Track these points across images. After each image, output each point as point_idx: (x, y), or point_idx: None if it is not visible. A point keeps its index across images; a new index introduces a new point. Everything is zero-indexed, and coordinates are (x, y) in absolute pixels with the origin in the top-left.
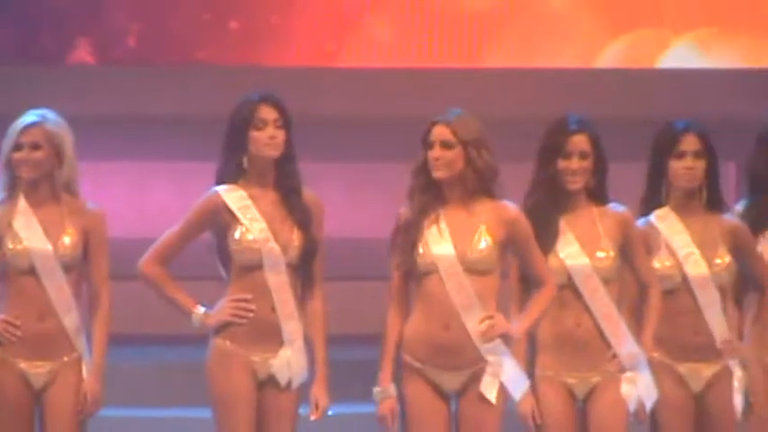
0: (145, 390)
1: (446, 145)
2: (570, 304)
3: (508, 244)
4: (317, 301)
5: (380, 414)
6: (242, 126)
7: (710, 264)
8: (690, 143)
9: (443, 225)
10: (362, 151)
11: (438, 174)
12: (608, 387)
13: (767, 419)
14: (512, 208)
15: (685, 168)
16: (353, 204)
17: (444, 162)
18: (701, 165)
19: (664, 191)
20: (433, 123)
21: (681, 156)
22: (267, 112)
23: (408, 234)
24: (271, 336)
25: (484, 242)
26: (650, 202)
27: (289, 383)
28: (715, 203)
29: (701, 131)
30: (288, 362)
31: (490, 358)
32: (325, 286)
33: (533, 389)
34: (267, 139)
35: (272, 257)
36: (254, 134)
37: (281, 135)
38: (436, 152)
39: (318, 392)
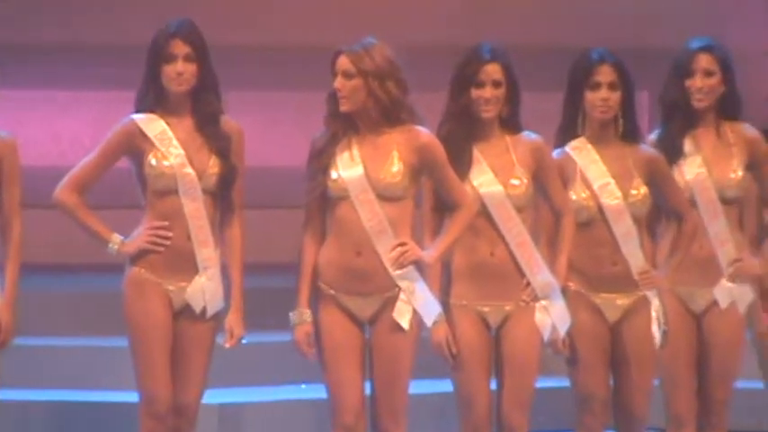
0: (60, 319)
1: (347, 75)
2: (484, 233)
3: (422, 169)
4: (235, 229)
5: (296, 339)
6: (154, 59)
7: (626, 194)
8: (605, 74)
9: (355, 151)
10: (276, 80)
11: (342, 107)
12: (522, 316)
13: (679, 349)
14: (424, 133)
15: (601, 99)
16: (267, 133)
17: (345, 93)
18: (616, 96)
19: (580, 121)
20: (338, 53)
21: (596, 87)
22: (178, 47)
23: (321, 159)
24: (186, 264)
25: (396, 167)
26: (566, 132)
27: (203, 311)
28: (631, 134)
29: (617, 62)
30: (202, 289)
31: (402, 284)
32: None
33: (448, 318)
34: (174, 74)
35: (187, 183)
36: (165, 68)
37: (190, 70)
38: (338, 82)
39: (233, 320)
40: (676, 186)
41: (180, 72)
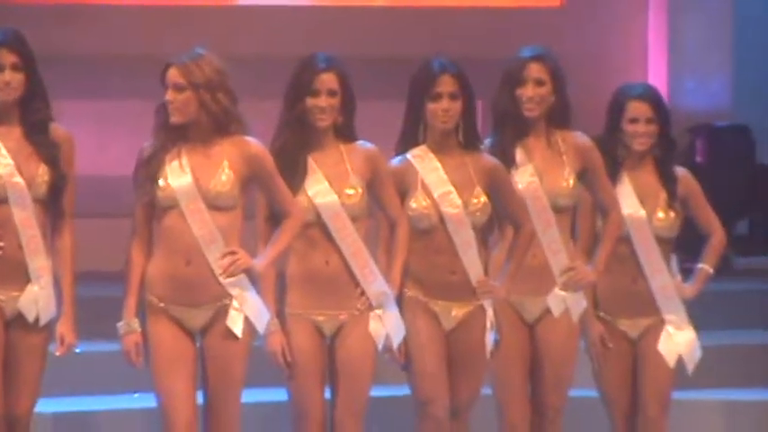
0: None
1: (178, 88)
2: (319, 242)
3: (252, 179)
4: (65, 238)
5: (125, 349)
6: None
7: (467, 203)
8: (446, 84)
9: (185, 160)
10: (108, 89)
11: (173, 119)
12: (356, 325)
13: (512, 358)
14: (254, 143)
15: (442, 110)
16: (98, 142)
17: (176, 105)
18: (456, 105)
19: (421, 130)
20: (168, 65)
21: (437, 97)
22: (4, 56)
23: (149, 167)
24: (18, 273)
25: (225, 177)
26: (408, 141)
27: (37, 320)
28: (471, 143)
29: (458, 72)
30: (35, 298)
31: (234, 292)
32: (73, 223)
33: (282, 327)
34: (2, 84)
35: (17, 192)
36: None
37: (17, 78)
38: (169, 95)
39: (65, 329)
40: (515, 195)
41: (7, 81)
